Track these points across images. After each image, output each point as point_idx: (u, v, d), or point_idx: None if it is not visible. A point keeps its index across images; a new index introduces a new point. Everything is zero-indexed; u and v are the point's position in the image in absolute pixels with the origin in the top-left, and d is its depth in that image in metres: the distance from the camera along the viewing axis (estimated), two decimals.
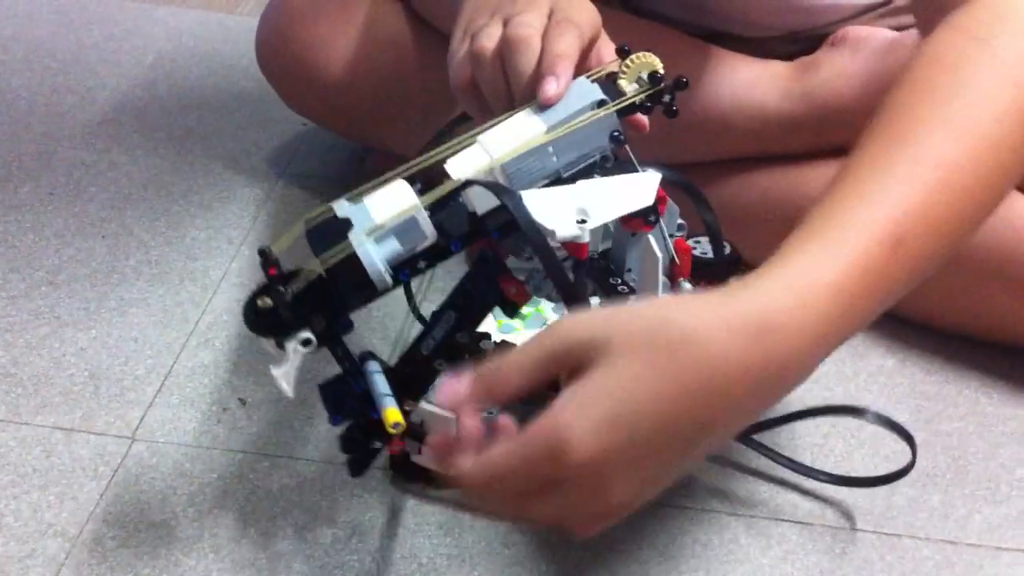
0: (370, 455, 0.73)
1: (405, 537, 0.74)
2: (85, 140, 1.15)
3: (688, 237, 0.75)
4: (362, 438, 0.70)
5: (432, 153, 0.64)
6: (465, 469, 0.52)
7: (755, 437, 0.80)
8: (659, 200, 0.64)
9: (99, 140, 1.15)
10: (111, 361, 0.87)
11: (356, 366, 0.68)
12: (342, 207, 0.64)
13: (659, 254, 0.65)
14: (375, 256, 0.62)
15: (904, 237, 0.55)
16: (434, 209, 0.63)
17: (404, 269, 0.63)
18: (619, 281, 0.69)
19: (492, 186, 0.63)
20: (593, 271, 0.71)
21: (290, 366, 0.64)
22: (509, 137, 0.65)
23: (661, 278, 0.65)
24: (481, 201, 0.64)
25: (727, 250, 0.78)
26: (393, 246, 0.63)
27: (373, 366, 0.68)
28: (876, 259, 0.54)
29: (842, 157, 0.59)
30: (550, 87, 0.65)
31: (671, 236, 0.67)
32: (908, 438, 0.76)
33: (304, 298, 0.63)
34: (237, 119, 1.20)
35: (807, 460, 0.80)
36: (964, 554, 0.75)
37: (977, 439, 0.84)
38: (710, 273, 0.75)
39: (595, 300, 0.71)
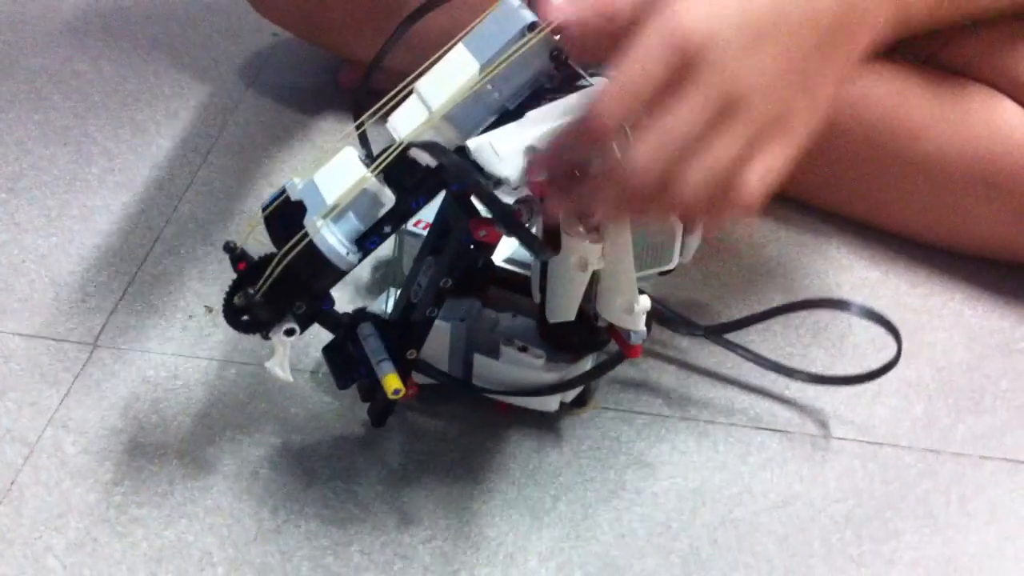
0: (390, 405, 0.72)
1: (377, 443, 0.72)
2: (48, 48, 1.11)
3: None
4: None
5: (374, 109, 0.62)
6: (599, 104, 0.51)
7: (735, 339, 0.79)
8: None
9: (62, 49, 1.12)
10: (73, 267, 0.84)
11: (351, 331, 0.67)
12: (294, 188, 0.63)
13: None
14: (333, 240, 0.61)
15: None
16: (387, 171, 0.62)
17: (371, 238, 0.62)
18: None
19: (429, 146, 0.60)
20: None
21: (282, 356, 0.65)
22: (445, 81, 0.61)
23: None
24: (429, 158, 0.61)
25: None
26: (352, 223, 0.61)
27: (367, 328, 0.67)
28: None
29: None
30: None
31: None
32: (893, 330, 0.75)
33: (276, 292, 0.62)
34: (204, 29, 1.17)
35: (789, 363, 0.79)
36: (947, 463, 0.73)
37: (963, 350, 0.82)
38: None
39: None
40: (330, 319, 0.66)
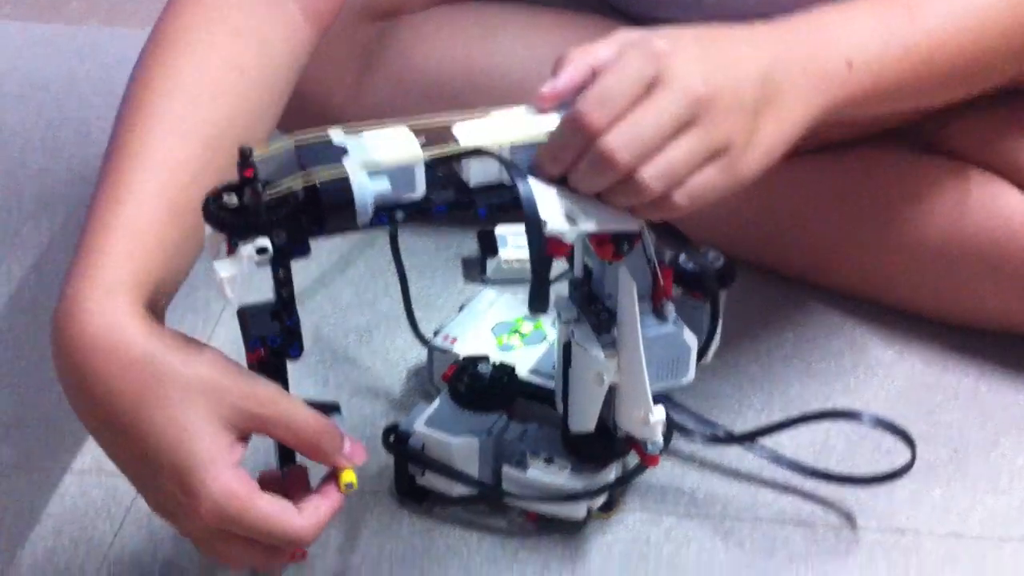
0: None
1: (413, 560, 0.75)
2: (83, 176, 1.16)
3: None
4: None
5: (440, 114, 0.64)
6: (585, 102, 0.61)
7: (756, 440, 0.81)
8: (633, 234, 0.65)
9: (96, 174, 1.16)
10: None
11: (293, 300, 0.64)
12: (337, 135, 0.63)
13: (633, 283, 0.66)
14: (366, 187, 0.61)
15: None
16: (429, 166, 0.63)
17: (383, 214, 0.62)
18: (600, 307, 0.70)
19: (504, 162, 0.63)
20: (575, 296, 0.72)
21: (238, 270, 0.60)
22: (524, 122, 0.65)
23: (636, 306, 0.66)
24: (478, 173, 0.64)
25: (721, 262, 0.79)
26: (384, 186, 0.61)
27: (338, 419, 0.69)
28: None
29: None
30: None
31: (649, 261, 0.68)
32: (906, 438, 0.77)
33: (275, 206, 0.60)
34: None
35: (809, 459, 0.81)
36: (968, 547, 0.76)
37: (978, 429, 0.84)
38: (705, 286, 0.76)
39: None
40: (288, 272, 0.63)
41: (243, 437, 0.63)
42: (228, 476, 0.61)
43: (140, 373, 0.61)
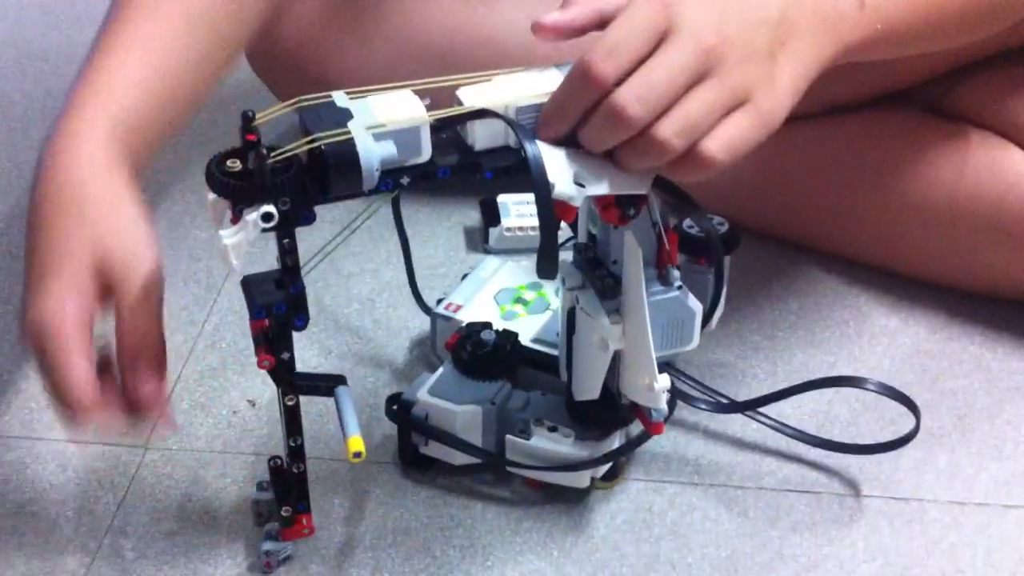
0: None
1: (418, 530, 0.75)
2: None
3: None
4: None
5: (443, 78, 0.63)
6: (595, 54, 0.59)
7: (760, 409, 0.81)
8: (639, 197, 0.64)
9: None
10: None
11: (298, 268, 0.64)
12: (341, 98, 0.63)
13: (639, 248, 0.65)
14: (373, 151, 0.60)
15: None
16: (434, 129, 0.62)
17: (387, 178, 0.61)
18: (605, 273, 0.69)
19: (511, 123, 0.62)
20: (579, 261, 0.71)
21: (243, 237, 0.60)
22: (528, 84, 0.64)
23: (642, 271, 0.66)
24: (483, 136, 0.63)
25: (725, 228, 0.79)
26: (389, 149, 0.61)
27: (344, 391, 0.69)
28: None
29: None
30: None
31: (655, 225, 0.67)
32: (911, 405, 0.77)
33: (280, 171, 0.60)
34: (233, 115, 1.20)
35: (813, 428, 0.81)
36: (972, 514, 0.76)
37: (983, 396, 0.84)
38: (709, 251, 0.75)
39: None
40: (292, 239, 0.63)
41: (99, 297, 0.66)
42: (71, 305, 0.64)
43: (66, 185, 0.68)
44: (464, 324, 0.82)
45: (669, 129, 0.59)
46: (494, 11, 0.99)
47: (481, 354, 0.78)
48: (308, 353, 0.89)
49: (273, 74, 1.05)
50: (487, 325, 0.80)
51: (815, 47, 0.65)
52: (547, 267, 0.62)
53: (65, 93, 0.73)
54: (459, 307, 0.85)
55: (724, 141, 0.60)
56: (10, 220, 1.05)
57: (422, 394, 0.76)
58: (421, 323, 0.90)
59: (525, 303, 0.85)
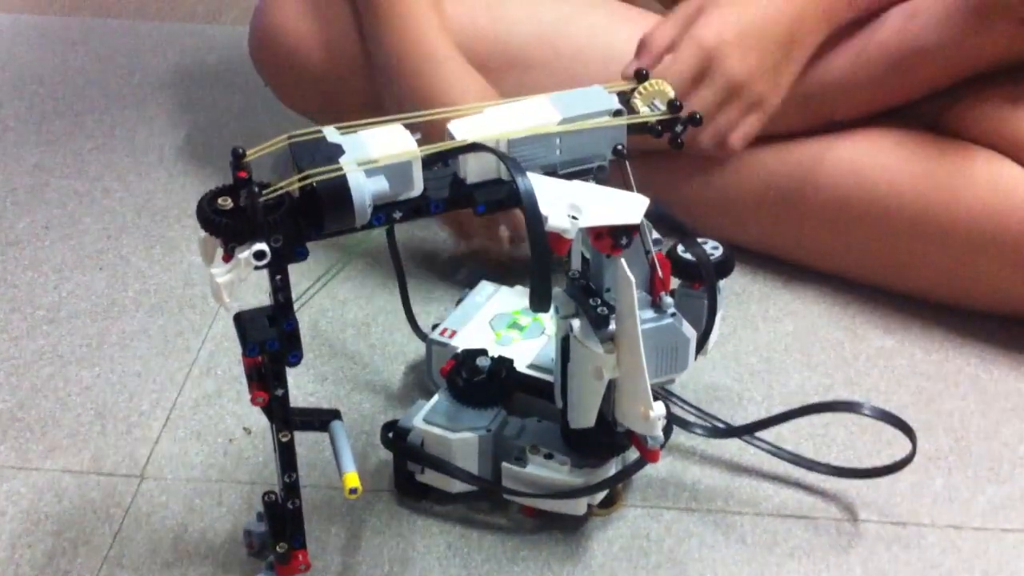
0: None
1: (415, 560, 0.75)
2: (77, 168, 1.16)
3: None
4: None
5: (435, 111, 0.64)
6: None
7: (757, 433, 0.81)
8: (632, 226, 0.64)
9: (91, 167, 1.16)
10: (116, 398, 0.88)
11: (291, 304, 0.63)
12: (332, 133, 0.63)
13: (631, 279, 0.65)
14: (364, 186, 0.60)
15: None
16: (425, 164, 0.62)
17: (380, 213, 0.62)
18: (599, 301, 0.69)
19: (502, 157, 0.62)
20: (573, 290, 0.71)
21: (235, 275, 0.59)
22: (519, 116, 0.64)
23: (635, 301, 0.65)
24: (474, 169, 0.63)
25: (719, 252, 0.79)
26: (381, 184, 0.61)
27: (338, 426, 0.69)
28: None
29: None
30: None
31: (647, 253, 0.67)
32: (907, 430, 0.77)
33: (272, 208, 0.59)
34: (227, 136, 1.21)
35: (809, 451, 0.81)
36: (969, 538, 0.75)
37: (979, 417, 0.84)
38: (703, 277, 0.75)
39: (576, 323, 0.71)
40: (285, 275, 0.62)
41: None
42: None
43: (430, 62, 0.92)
44: (459, 350, 0.82)
45: (708, 138, 0.90)
46: (498, 11, 0.99)
47: (476, 381, 0.78)
48: (303, 378, 0.89)
49: (266, 59, 1.06)
50: (482, 351, 0.80)
51: (812, 45, 0.90)
52: (540, 301, 0.62)
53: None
54: (454, 333, 0.85)
55: (741, 136, 0.90)
56: (4, 248, 1.04)
57: (418, 421, 0.76)
58: (417, 348, 0.90)
59: (520, 328, 0.85)
